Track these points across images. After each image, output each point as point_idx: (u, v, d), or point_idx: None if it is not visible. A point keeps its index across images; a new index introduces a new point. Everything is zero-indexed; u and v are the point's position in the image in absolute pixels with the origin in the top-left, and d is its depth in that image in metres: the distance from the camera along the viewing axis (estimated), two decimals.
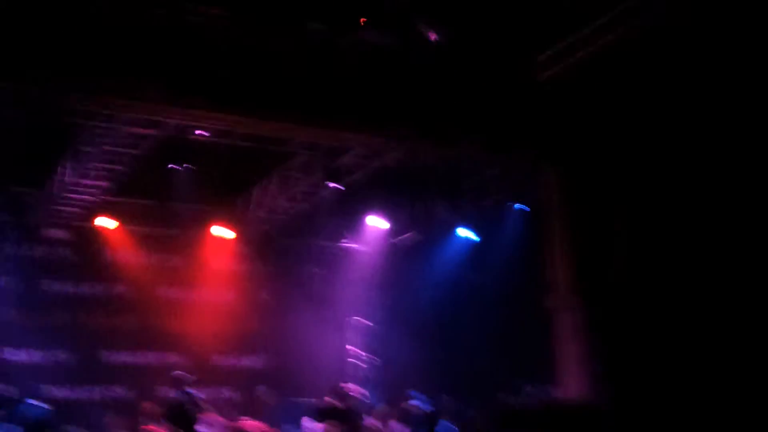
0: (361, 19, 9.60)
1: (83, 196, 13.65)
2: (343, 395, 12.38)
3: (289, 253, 16.72)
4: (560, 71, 10.12)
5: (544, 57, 10.23)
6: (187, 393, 12.52)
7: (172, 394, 12.11)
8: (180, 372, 13.55)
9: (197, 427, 11.77)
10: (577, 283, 10.73)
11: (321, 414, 12.11)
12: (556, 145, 10.78)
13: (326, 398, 12.38)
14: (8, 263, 14.41)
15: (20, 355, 14.32)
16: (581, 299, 10.64)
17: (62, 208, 14.15)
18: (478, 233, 15.24)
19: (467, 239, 15.38)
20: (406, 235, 16.10)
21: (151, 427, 12.79)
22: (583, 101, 10.31)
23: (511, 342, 13.81)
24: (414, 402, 12.87)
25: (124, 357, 15.20)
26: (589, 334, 10.46)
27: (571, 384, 10.31)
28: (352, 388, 14.15)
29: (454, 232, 15.43)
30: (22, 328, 14.35)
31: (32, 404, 12.60)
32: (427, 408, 12.79)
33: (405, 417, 12.39)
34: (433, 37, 9.58)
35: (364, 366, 16.77)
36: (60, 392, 14.40)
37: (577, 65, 9.91)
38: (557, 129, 10.64)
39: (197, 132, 11.32)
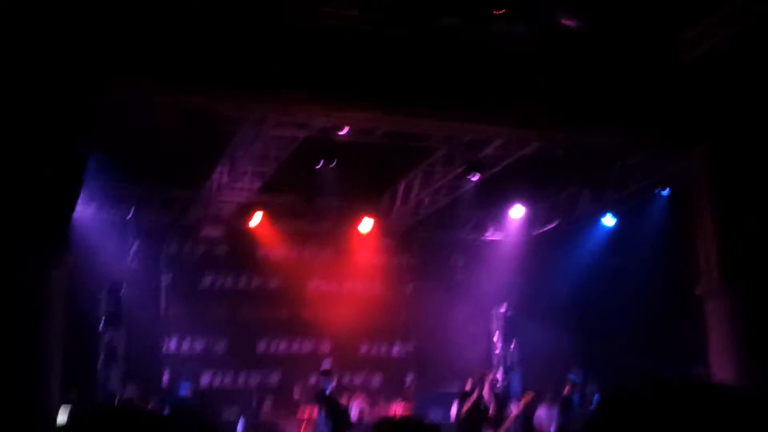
0: (496, 11, 9.55)
1: (237, 197, 14.33)
2: (486, 383, 12.56)
3: (433, 245, 16.99)
4: (705, 50, 9.82)
5: (689, 36, 9.94)
6: (338, 380, 13.09)
7: (323, 381, 12.62)
8: (329, 363, 14.09)
9: (348, 411, 12.35)
10: (729, 270, 10.40)
11: (462, 401, 12.37)
12: (704, 127, 10.46)
13: (468, 386, 12.61)
14: (172, 262, 15.43)
15: (184, 346, 15.29)
16: (734, 286, 10.31)
17: (218, 207, 14.92)
18: (622, 220, 15.01)
19: (610, 226, 15.18)
20: (548, 226, 16.02)
21: (305, 415, 13.42)
22: (729, 81, 9.98)
23: (657, 328, 13.56)
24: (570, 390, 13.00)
25: (278, 346, 15.93)
26: (742, 321, 10.14)
27: (723, 372, 10.02)
28: (496, 376, 14.31)
29: (598, 219, 15.25)
30: (184, 321, 15.34)
31: (184, 392, 13.58)
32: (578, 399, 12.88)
33: (564, 403, 12.61)
34: (570, 23, 9.45)
35: (508, 354, 16.83)
36: (219, 379, 15.36)
37: (723, 43, 9.59)
38: (705, 110, 10.33)
39: (340, 132, 11.71)
